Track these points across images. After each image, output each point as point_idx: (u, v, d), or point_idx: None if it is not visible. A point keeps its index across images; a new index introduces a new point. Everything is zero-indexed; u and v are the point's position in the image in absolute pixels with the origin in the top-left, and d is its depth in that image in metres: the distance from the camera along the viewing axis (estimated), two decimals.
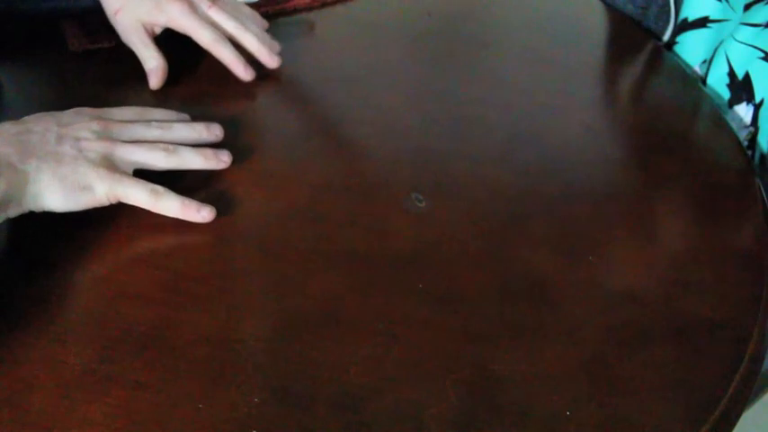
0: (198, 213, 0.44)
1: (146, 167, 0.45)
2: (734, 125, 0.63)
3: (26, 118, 0.44)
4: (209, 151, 0.47)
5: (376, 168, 0.52)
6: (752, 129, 0.64)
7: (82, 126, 0.44)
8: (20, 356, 0.36)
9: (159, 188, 0.44)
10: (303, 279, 0.42)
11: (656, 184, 0.54)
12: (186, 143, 0.47)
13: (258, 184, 0.49)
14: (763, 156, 0.62)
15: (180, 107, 0.52)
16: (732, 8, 0.68)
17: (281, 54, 0.59)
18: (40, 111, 0.45)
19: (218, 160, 0.48)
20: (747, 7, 0.66)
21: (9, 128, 0.42)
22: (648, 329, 0.42)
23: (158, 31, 0.57)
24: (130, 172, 0.44)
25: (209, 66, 0.59)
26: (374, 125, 0.56)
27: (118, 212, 0.45)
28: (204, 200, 0.46)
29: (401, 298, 0.42)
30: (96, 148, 0.43)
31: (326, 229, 0.46)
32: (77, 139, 0.43)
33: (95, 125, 0.45)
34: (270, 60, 0.59)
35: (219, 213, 0.46)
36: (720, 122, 0.62)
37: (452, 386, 0.37)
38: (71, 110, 0.46)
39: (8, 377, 0.35)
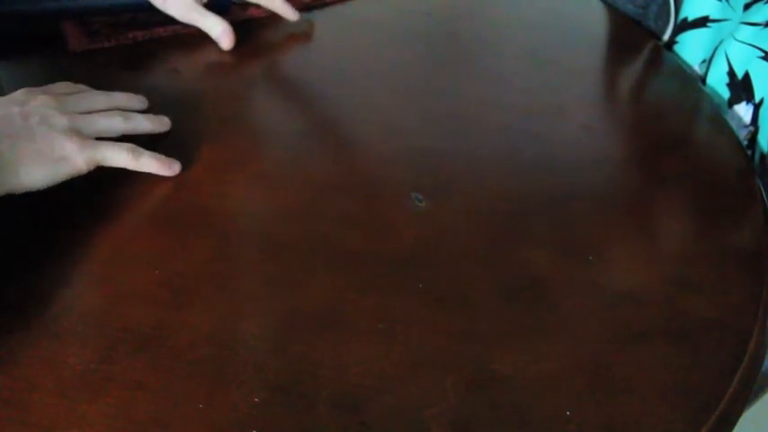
0: (170, 169, 0.47)
1: (107, 133, 0.47)
2: (734, 125, 0.63)
3: None
4: (152, 116, 0.50)
5: (376, 168, 0.52)
6: (751, 128, 0.64)
7: (38, 102, 0.45)
8: (20, 356, 0.36)
9: (135, 146, 0.46)
10: (303, 279, 0.42)
11: (656, 184, 0.54)
12: (123, 106, 0.50)
13: (258, 184, 0.49)
14: (763, 156, 0.62)
15: (179, 107, 0.53)
16: (732, 7, 0.68)
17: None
18: None
19: (161, 123, 0.50)
20: (747, 6, 0.66)
21: None
22: (648, 329, 0.42)
23: None
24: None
25: (209, 67, 0.59)
26: (374, 125, 0.56)
27: (118, 212, 0.45)
28: (203, 199, 0.46)
29: (401, 298, 0.42)
30: (62, 120, 0.44)
31: (326, 228, 0.46)
32: (41, 115, 0.44)
33: (49, 100, 0.46)
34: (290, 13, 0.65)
35: (220, 213, 0.46)
36: (720, 122, 0.62)
37: (452, 386, 0.37)
38: (19, 91, 0.47)
39: (8, 377, 0.35)
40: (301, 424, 0.35)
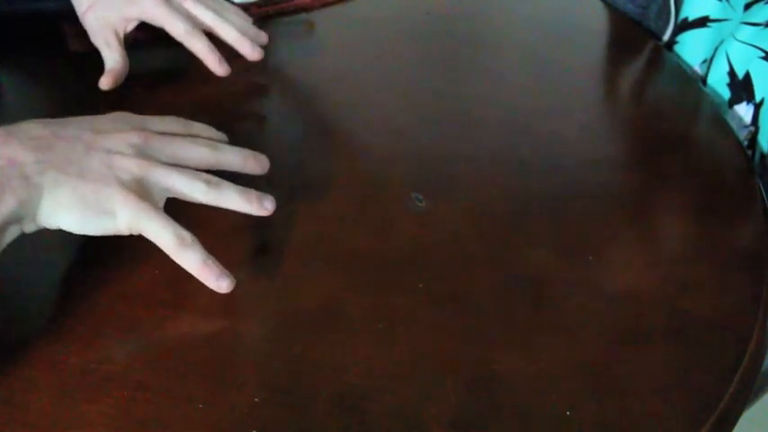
0: (216, 281, 0.38)
1: (180, 197, 0.40)
2: (734, 125, 0.63)
3: (58, 120, 0.39)
4: (252, 194, 0.41)
5: (376, 168, 0.52)
6: (752, 128, 0.64)
7: (119, 137, 0.39)
8: (20, 356, 0.36)
9: (187, 236, 0.38)
10: (303, 279, 0.42)
11: (656, 184, 0.54)
12: (230, 168, 0.43)
13: (258, 185, 0.49)
14: (763, 156, 0.62)
15: (179, 107, 0.52)
16: (732, 7, 0.68)
17: (281, 50, 0.59)
18: (40, 111, 0.44)
19: (261, 206, 0.42)
20: (748, 7, 0.66)
21: (35, 129, 0.38)
22: (648, 329, 0.42)
23: (131, 27, 0.56)
24: (163, 199, 0.40)
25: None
26: (374, 125, 0.56)
27: None
28: None
29: (401, 298, 0.42)
30: (130, 167, 0.38)
31: (326, 228, 0.46)
32: (110, 153, 0.38)
33: (135, 137, 0.39)
34: (251, 52, 0.56)
35: (219, 213, 0.46)
36: (720, 122, 0.62)
37: (452, 386, 0.37)
38: (112, 114, 0.42)
39: (8, 377, 0.35)
40: (301, 424, 0.35)
